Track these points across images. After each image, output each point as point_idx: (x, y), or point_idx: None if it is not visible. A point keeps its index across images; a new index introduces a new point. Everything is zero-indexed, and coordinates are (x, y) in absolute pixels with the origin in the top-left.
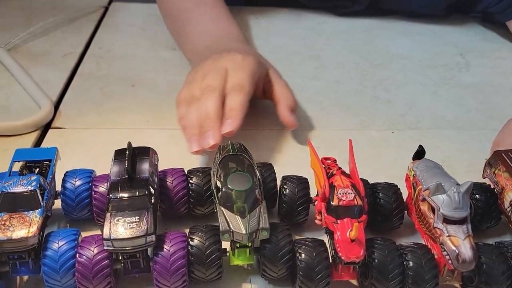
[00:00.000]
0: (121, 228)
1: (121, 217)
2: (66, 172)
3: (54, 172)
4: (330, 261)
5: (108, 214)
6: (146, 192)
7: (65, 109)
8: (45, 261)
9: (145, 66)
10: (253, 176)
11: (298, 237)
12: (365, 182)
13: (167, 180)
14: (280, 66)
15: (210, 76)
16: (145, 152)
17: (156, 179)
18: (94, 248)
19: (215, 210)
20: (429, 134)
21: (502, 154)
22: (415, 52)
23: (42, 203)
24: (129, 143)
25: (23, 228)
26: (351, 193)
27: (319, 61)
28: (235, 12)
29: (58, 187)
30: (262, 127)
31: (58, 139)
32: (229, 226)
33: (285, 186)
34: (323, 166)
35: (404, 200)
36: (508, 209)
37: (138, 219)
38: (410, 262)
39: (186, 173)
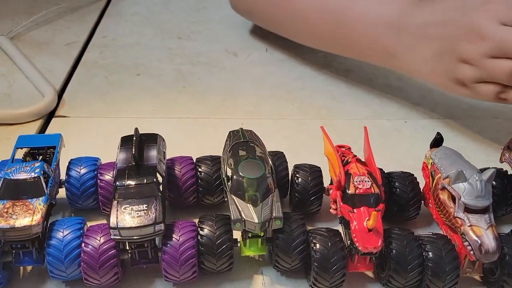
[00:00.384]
0: (129, 217)
1: (128, 205)
2: (71, 160)
3: (59, 159)
4: (346, 252)
5: (114, 202)
6: (154, 179)
7: (69, 98)
8: (49, 251)
9: (150, 55)
10: (265, 164)
11: (310, 228)
12: (381, 171)
13: (175, 168)
14: (288, 53)
15: None
16: (153, 139)
17: (164, 167)
18: (100, 237)
19: (226, 199)
20: (443, 124)
21: None
22: None
23: (46, 191)
24: (136, 129)
25: (27, 216)
26: (368, 181)
27: None
28: None
29: (63, 176)
30: (269, 115)
31: (62, 128)
32: (240, 215)
33: (297, 175)
34: (338, 153)
35: (421, 189)
36: None
37: (146, 207)
38: (430, 253)
39: (194, 161)
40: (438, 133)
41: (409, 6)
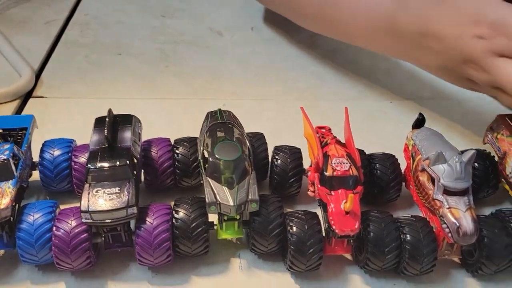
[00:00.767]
0: (101, 200)
1: (100, 188)
2: (45, 142)
3: (30, 141)
4: (323, 235)
5: (86, 185)
6: (128, 161)
7: (48, 78)
8: (19, 235)
9: (132, 34)
10: (242, 146)
11: (290, 210)
12: (361, 152)
13: (152, 150)
14: (273, 33)
15: None
16: (128, 120)
17: (139, 149)
18: (72, 221)
19: (202, 181)
20: (429, 105)
21: (506, 118)
22: None
23: (16, 173)
24: (110, 110)
25: None
26: (346, 163)
27: None
28: None
29: (36, 158)
30: (253, 96)
31: (40, 109)
32: (215, 197)
33: (276, 157)
34: (317, 135)
35: (402, 171)
36: (510, 175)
37: (118, 190)
38: (408, 236)
39: (172, 143)
40: (420, 114)
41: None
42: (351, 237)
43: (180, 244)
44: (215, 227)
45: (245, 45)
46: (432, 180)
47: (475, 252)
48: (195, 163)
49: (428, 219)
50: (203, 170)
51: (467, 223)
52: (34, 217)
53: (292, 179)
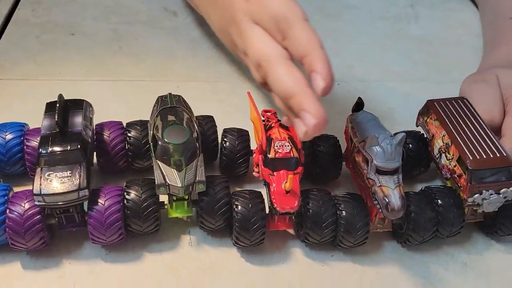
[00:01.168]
0: (53, 183)
1: (52, 172)
2: None
3: None
4: (267, 212)
5: (38, 169)
6: (79, 146)
7: None
8: None
9: (85, 13)
10: (191, 129)
11: (238, 189)
12: None
13: (104, 133)
14: None
15: None
16: (79, 105)
17: (90, 133)
18: (25, 203)
19: (152, 164)
20: (375, 86)
21: (434, 103)
22: (367, 2)
23: None
24: (60, 95)
25: None
26: (288, 146)
27: None
28: None
29: None
30: (205, 78)
31: None
32: (165, 179)
33: (225, 139)
34: (263, 118)
35: (343, 152)
36: (437, 156)
37: (70, 173)
38: (343, 212)
39: (124, 126)
40: (359, 98)
41: None
42: (292, 214)
43: (131, 223)
44: (166, 207)
45: (199, 26)
46: (366, 161)
47: (404, 225)
48: (147, 146)
49: (362, 197)
50: (153, 153)
51: (395, 200)
52: None
53: (239, 160)
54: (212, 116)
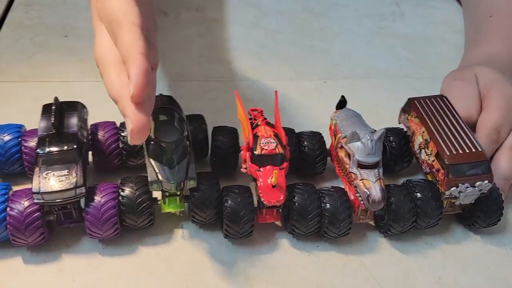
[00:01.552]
0: (51, 181)
1: (50, 171)
2: None
3: None
4: (255, 206)
5: (36, 169)
6: (75, 146)
7: None
8: None
9: (77, 15)
10: (182, 128)
11: (228, 185)
12: (291, 131)
13: (99, 133)
14: (218, 14)
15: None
16: (73, 107)
17: (85, 133)
18: (24, 201)
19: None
20: (360, 83)
21: (415, 101)
22: (354, 1)
23: None
24: (56, 98)
25: None
26: (274, 143)
27: (258, 9)
28: None
29: None
30: (197, 76)
31: None
32: (157, 176)
33: (215, 137)
34: (249, 117)
35: (328, 147)
36: (417, 151)
37: (67, 172)
38: (327, 204)
39: (118, 126)
40: (342, 96)
41: None
42: (278, 207)
43: (126, 219)
44: (159, 202)
45: (190, 25)
46: (349, 156)
47: (385, 216)
48: (141, 144)
49: (346, 190)
50: (146, 152)
51: (376, 192)
52: None
53: (230, 157)
54: (202, 115)
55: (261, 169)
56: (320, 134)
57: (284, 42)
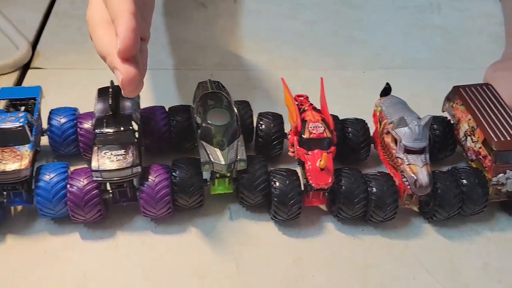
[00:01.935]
0: (108, 160)
1: (108, 151)
2: (51, 110)
3: (40, 109)
4: (302, 189)
5: (95, 148)
6: (130, 127)
7: (43, 49)
8: (38, 192)
9: None
10: (231, 112)
11: (272, 169)
12: (335, 117)
13: (150, 117)
14: (256, 5)
15: None
16: None
17: (139, 116)
18: (83, 179)
19: (197, 144)
20: (399, 74)
21: (460, 89)
22: None
23: (31, 138)
24: (112, 81)
25: (16, 161)
26: (321, 127)
27: (295, 1)
28: None
29: (44, 125)
30: (238, 66)
31: (38, 79)
32: (209, 157)
33: (261, 122)
34: (296, 102)
35: (371, 134)
36: (462, 139)
37: (124, 152)
38: (374, 189)
39: (167, 110)
40: (387, 83)
41: None
42: (326, 189)
43: (178, 198)
44: (208, 184)
45: (229, 16)
46: (395, 141)
47: (430, 202)
48: (189, 128)
49: (391, 175)
50: (197, 134)
51: (423, 177)
52: (50, 176)
53: (275, 142)
54: (248, 101)
55: (309, 152)
56: (364, 121)
57: (322, 33)
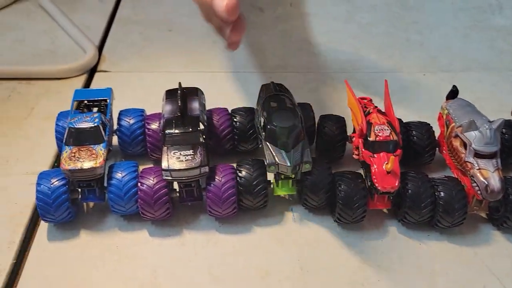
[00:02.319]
0: (178, 160)
1: (177, 151)
2: (121, 111)
3: (111, 110)
4: (367, 192)
5: (164, 148)
6: (198, 128)
7: (108, 54)
8: (111, 189)
9: (179, 10)
10: (295, 114)
11: (334, 171)
12: (399, 120)
13: (213, 118)
14: (312, 8)
15: None
16: (194, 92)
17: (205, 117)
18: (153, 178)
19: (260, 146)
20: (461, 76)
21: None
22: None
23: (105, 138)
24: (180, 83)
25: (91, 159)
26: (387, 129)
27: (351, 4)
28: None
29: (115, 125)
30: (296, 68)
31: (105, 82)
32: (274, 159)
33: (323, 125)
34: (360, 105)
35: (436, 137)
36: None
37: (192, 152)
38: (442, 193)
39: (230, 112)
40: (454, 86)
41: None
42: (392, 193)
43: (243, 199)
44: (272, 185)
45: (286, 20)
46: (464, 145)
47: (500, 208)
48: (251, 130)
49: (459, 179)
50: (261, 136)
51: (495, 182)
52: (122, 175)
53: (337, 144)
54: (310, 104)
55: (375, 155)
56: (429, 124)
57: (379, 36)
